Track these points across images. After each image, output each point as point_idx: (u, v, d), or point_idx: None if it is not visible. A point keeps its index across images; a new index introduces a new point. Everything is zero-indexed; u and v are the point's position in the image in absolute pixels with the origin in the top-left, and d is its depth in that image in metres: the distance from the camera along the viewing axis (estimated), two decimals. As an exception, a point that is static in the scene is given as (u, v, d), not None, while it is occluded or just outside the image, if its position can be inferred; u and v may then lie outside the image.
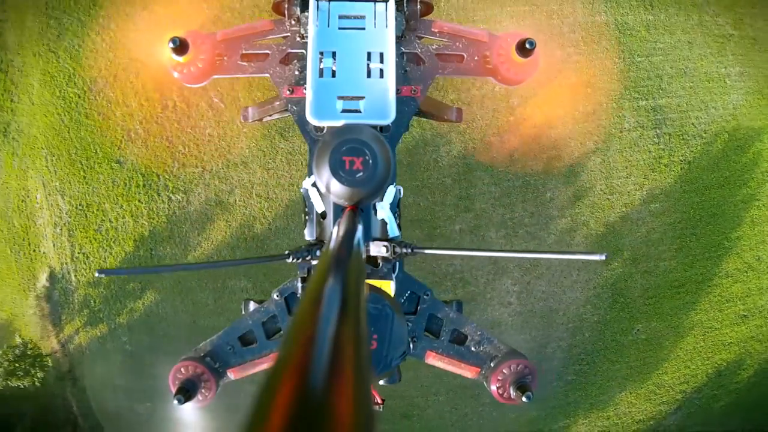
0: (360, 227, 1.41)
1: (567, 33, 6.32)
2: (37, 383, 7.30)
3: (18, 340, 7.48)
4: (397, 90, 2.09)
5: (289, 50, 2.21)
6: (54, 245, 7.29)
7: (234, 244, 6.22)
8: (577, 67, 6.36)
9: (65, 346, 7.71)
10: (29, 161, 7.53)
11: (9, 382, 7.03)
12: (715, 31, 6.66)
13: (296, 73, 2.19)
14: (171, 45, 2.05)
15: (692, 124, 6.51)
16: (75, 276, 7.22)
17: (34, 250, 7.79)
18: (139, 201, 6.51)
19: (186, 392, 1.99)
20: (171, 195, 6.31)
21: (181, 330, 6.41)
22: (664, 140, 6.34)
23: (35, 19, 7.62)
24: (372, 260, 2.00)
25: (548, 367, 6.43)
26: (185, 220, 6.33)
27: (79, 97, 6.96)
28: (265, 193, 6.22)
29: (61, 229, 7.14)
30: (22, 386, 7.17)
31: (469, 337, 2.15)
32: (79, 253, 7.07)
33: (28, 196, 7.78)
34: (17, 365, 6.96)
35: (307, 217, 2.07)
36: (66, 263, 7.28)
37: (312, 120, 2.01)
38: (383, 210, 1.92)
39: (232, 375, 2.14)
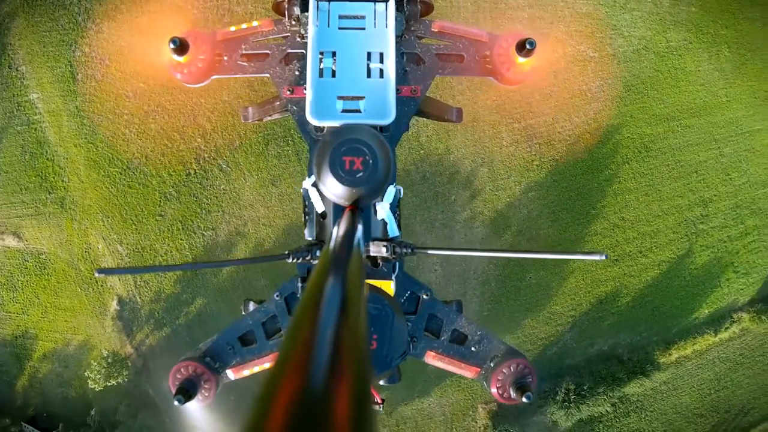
0: (360, 227, 1.40)
1: (455, 83, 9.21)
2: (125, 380, 10.20)
3: (104, 352, 10.32)
4: (397, 90, 2.06)
5: (289, 50, 2.18)
6: (120, 279, 10.08)
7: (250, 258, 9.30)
8: (464, 106, 9.60)
9: (138, 349, 10.67)
10: (88, 223, 10.22)
11: (107, 383, 9.89)
12: (576, 56, 9.64)
13: (296, 73, 2.15)
14: (171, 45, 2.01)
15: (558, 132, 9.61)
16: (139, 298, 10.14)
17: (102, 285, 10.57)
18: (180, 239, 9.48)
19: (186, 392, 1.95)
20: (204, 232, 9.34)
21: (227, 321, 9.54)
22: (535, 148, 9.61)
23: (71, 119, 10.14)
24: (372, 260, 1.99)
25: (468, 308, 9.69)
26: (216, 247, 9.39)
27: (121, 174, 9.71)
28: (268, 223, 9.37)
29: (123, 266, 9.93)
30: (115, 384, 10.05)
31: (469, 337, 2.12)
32: (140, 281, 9.99)
33: (90, 248, 10.50)
34: (111, 370, 9.81)
35: (307, 217, 2.04)
36: (131, 290, 10.16)
37: (312, 120, 1.97)
38: (383, 210, 1.86)
39: (232, 375, 2.11)
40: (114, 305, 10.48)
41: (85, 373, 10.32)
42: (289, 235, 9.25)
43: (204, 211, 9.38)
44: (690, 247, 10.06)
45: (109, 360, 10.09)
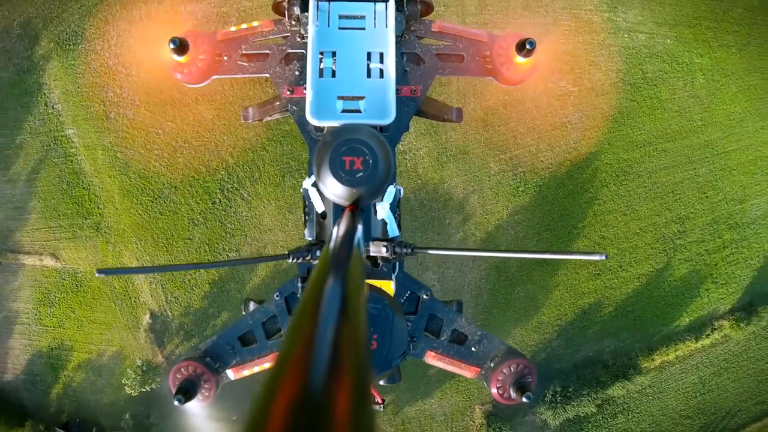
0: (360, 227, 1.47)
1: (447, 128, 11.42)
2: (157, 386, 12.51)
3: (138, 361, 12.62)
4: (397, 90, 2.19)
5: (289, 50, 2.35)
6: (151, 295, 12.42)
7: (270, 276, 11.51)
8: (455, 141, 11.63)
9: (169, 358, 12.96)
10: (122, 245, 12.52)
11: (142, 389, 12.18)
12: (556, 91, 11.73)
13: (296, 73, 2.31)
14: (171, 45, 2.15)
15: (541, 161, 11.75)
16: (170, 312, 12.43)
17: (135, 301, 12.90)
18: (207, 260, 11.65)
19: (186, 392, 2.08)
20: (228, 253, 11.56)
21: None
22: (520, 176, 11.71)
23: (105, 153, 12.40)
24: (372, 260, 2.11)
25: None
26: (237, 268, 11.54)
27: (152, 202, 11.97)
28: (286, 245, 11.54)
29: (155, 285, 12.29)
30: (149, 389, 12.35)
31: (469, 337, 2.27)
32: (171, 297, 12.26)
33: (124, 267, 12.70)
34: (145, 377, 12.10)
35: (307, 217, 2.18)
36: (162, 305, 12.45)
37: (312, 120, 2.10)
38: (383, 210, 1.99)
39: (232, 375, 2.26)
40: (146, 319, 12.78)
41: (122, 380, 12.65)
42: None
43: (228, 235, 11.62)
44: (668, 261, 12.04)
45: (144, 368, 12.40)
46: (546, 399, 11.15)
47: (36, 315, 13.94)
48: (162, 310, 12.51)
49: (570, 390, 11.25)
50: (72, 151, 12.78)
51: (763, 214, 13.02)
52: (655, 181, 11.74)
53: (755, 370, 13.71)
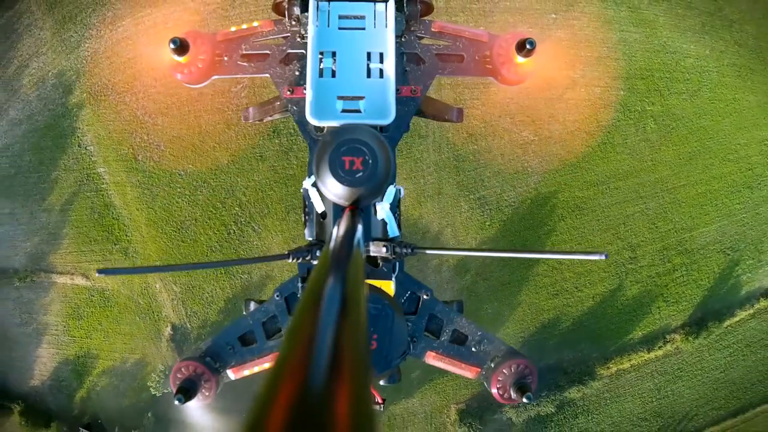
0: (360, 227, 1.65)
1: (423, 166, 15.51)
2: (177, 387, 16.96)
3: (160, 366, 16.91)
4: (397, 90, 2.49)
5: (289, 50, 2.67)
6: (173, 310, 16.72)
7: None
8: (431, 184, 15.66)
9: (187, 364, 17.30)
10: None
11: (165, 391, 16.41)
12: (519, 141, 15.94)
13: (296, 73, 2.64)
14: (171, 45, 2.47)
15: (505, 200, 15.97)
16: (190, 324, 16.71)
17: (157, 315, 17.24)
18: (223, 281, 15.94)
19: (186, 392, 2.41)
20: (241, 276, 15.80)
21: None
22: (487, 213, 15.83)
23: (133, 189, 16.62)
24: (372, 260, 2.42)
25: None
26: (250, 286, 15.83)
27: (175, 232, 16.20)
28: (291, 270, 15.66)
29: (176, 302, 16.59)
30: (169, 391, 16.69)
31: (469, 337, 2.60)
32: (191, 312, 16.54)
33: (148, 287, 17.15)
34: (167, 380, 16.34)
35: (307, 217, 2.49)
36: (183, 319, 16.74)
37: (312, 120, 2.39)
38: (383, 210, 2.28)
39: (232, 375, 2.60)
40: (168, 330, 17.06)
41: (147, 383, 16.94)
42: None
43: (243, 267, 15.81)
44: (621, 283, 16.04)
45: (166, 372, 16.68)
46: (511, 400, 15.23)
47: (65, 327, 18.33)
48: (182, 323, 16.77)
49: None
50: (103, 186, 17.01)
51: (711, 240, 16.96)
52: (607, 215, 15.69)
53: (710, 379, 17.71)
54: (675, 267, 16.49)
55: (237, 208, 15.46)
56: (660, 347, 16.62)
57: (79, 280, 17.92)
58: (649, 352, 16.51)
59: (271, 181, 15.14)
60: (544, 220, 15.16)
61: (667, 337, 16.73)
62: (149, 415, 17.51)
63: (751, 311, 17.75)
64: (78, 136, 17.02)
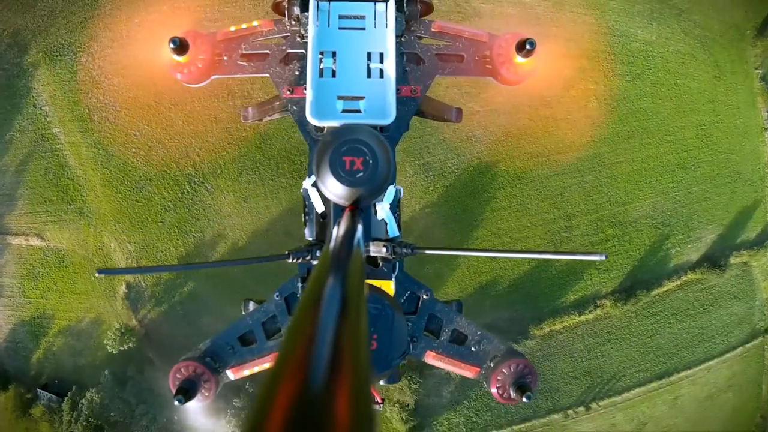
0: (360, 227, 1.71)
1: None
2: (132, 345, 17.79)
3: (116, 324, 17.86)
4: (397, 90, 2.61)
5: (289, 50, 2.79)
6: (118, 276, 17.44)
7: (230, 242, 16.76)
8: None
9: (142, 322, 18.30)
10: (102, 227, 17.65)
11: (121, 347, 17.40)
12: (465, 111, 17.17)
13: (296, 73, 2.74)
14: (171, 45, 2.55)
15: (448, 166, 17.26)
16: (144, 283, 17.68)
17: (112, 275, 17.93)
18: (176, 240, 16.95)
19: (186, 392, 2.45)
20: (194, 234, 16.85)
21: (213, 299, 17.01)
22: (431, 178, 17.12)
23: (88, 149, 17.24)
24: (372, 260, 2.49)
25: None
26: (203, 245, 16.97)
27: (130, 191, 17.04)
28: (242, 229, 16.77)
29: (131, 260, 17.48)
30: (126, 348, 17.59)
31: (469, 337, 2.70)
32: (146, 271, 17.39)
33: (103, 246, 17.98)
34: (123, 338, 17.35)
35: (307, 217, 2.57)
36: (137, 277, 17.62)
37: (312, 120, 2.50)
38: (383, 210, 2.33)
39: (232, 375, 2.68)
40: (123, 289, 17.98)
41: (103, 341, 17.88)
42: (256, 237, 16.67)
43: (194, 219, 16.78)
44: (556, 249, 17.63)
45: (122, 330, 17.66)
46: (450, 357, 16.86)
47: (20, 288, 19.04)
48: (137, 281, 17.71)
49: (469, 350, 16.92)
50: (58, 147, 17.60)
51: (644, 215, 18.71)
52: (546, 186, 17.20)
53: (637, 343, 19.70)
54: (608, 237, 18.21)
55: (191, 168, 16.35)
56: (591, 311, 18.43)
57: (34, 241, 18.59)
58: (580, 315, 18.30)
59: (224, 142, 16.05)
60: (485, 188, 16.56)
61: (598, 302, 18.55)
62: (106, 372, 18.52)
63: (678, 282, 19.72)
64: (33, 97, 17.51)
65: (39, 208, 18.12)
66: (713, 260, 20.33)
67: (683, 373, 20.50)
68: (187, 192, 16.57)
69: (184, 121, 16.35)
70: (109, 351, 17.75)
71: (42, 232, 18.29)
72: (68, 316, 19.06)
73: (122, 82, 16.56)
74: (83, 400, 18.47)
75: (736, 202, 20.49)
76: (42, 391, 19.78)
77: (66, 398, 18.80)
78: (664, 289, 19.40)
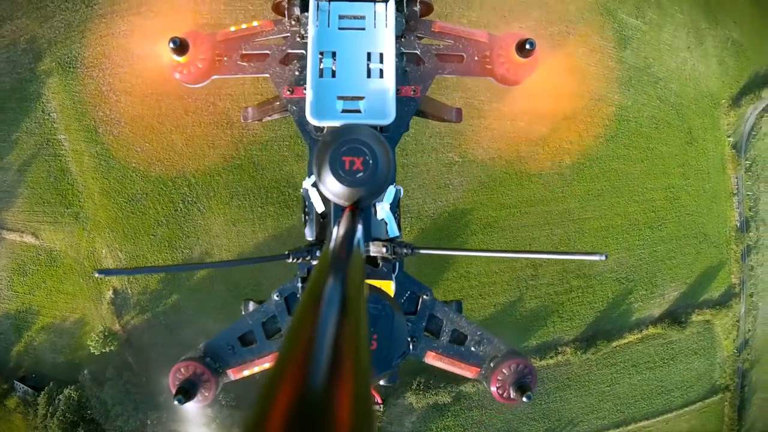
0: (360, 227, 1.80)
1: None
2: (114, 348, 19.68)
3: (100, 327, 19.78)
4: (397, 90, 2.77)
5: (289, 50, 2.95)
6: (116, 276, 19.43)
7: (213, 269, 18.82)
8: None
9: (125, 327, 20.23)
10: (96, 234, 19.65)
11: (103, 349, 19.26)
12: (445, 160, 19.36)
13: (296, 73, 2.88)
14: (171, 45, 2.68)
15: (425, 210, 19.52)
16: (130, 291, 19.66)
17: (101, 279, 19.96)
18: (166, 253, 18.98)
19: (186, 392, 2.55)
20: (183, 250, 18.87)
21: (194, 313, 18.96)
22: (408, 220, 19.33)
23: (91, 159, 19.25)
24: (372, 260, 2.64)
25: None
26: (191, 259, 18.75)
27: (126, 203, 19.09)
28: (228, 249, 18.83)
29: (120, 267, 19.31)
30: (106, 351, 19.47)
31: (468, 337, 2.85)
32: (132, 279, 19.40)
33: (95, 252, 19.95)
34: (106, 340, 19.23)
35: (307, 217, 2.71)
36: (125, 284, 19.66)
37: (312, 120, 2.65)
38: (383, 210, 2.52)
39: (232, 375, 2.79)
40: (109, 294, 19.94)
41: (86, 342, 19.75)
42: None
43: (184, 236, 18.83)
44: (521, 296, 19.84)
45: (105, 333, 19.58)
46: (412, 387, 18.87)
47: (9, 282, 20.93)
48: (124, 288, 19.67)
49: (431, 382, 18.94)
50: (62, 152, 19.62)
51: (609, 269, 20.94)
52: (515, 235, 19.41)
53: (596, 391, 21.82)
54: (572, 288, 20.40)
55: (186, 188, 18.42)
56: (552, 357, 20.55)
57: (28, 239, 20.54)
58: (541, 360, 20.41)
59: (220, 168, 18.16)
60: (458, 233, 18.71)
61: (559, 348, 20.69)
62: (85, 372, 20.37)
63: (640, 336, 21.92)
64: (43, 102, 19.54)
65: (37, 208, 20.10)
66: (675, 316, 22.58)
67: (641, 423, 22.62)
68: (181, 210, 18.63)
69: (183, 143, 18.45)
70: (91, 351, 19.65)
71: (37, 231, 20.24)
72: (53, 314, 20.96)
73: (129, 100, 18.67)
74: (60, 396, 20.31)
75: (701, 263, 22.78)
76: (19, 383, 21.58)
77: (43, 393, 20.61)
78: (625, 341, 21.58)
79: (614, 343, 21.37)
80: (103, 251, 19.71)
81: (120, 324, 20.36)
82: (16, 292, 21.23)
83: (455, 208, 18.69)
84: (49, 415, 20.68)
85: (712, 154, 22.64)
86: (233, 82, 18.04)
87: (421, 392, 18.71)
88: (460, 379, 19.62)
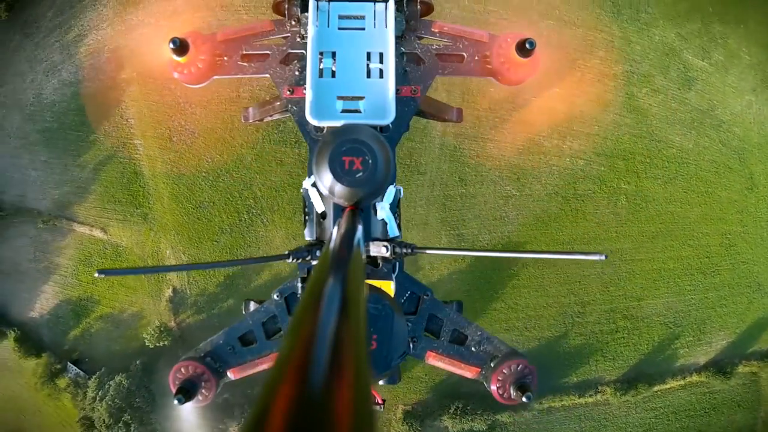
0: (360, 227, 1.84)
1: (413, 200, 20.10)
2: (167, 344, 21.55)
3: (156, 322, 21.66)
4: (397, 90, 2.80)
5: (289, 50, 3.02)
6: (177, 276, 21.41)
7: (272, 279, 20.41)
8: (420, 216, 20.16)
9: (180, 324, 22.03)
10: (162, 235, 21.55)
11: (157, 344, 21.15)
12: (502, 193, 20.42)
13: (296, 73, 2.97)
14: (171, 46, 2.79)
15: (480, 240, 20.55)
16: (189, 291, 21.48)
17: (162, 277, 21.98)
18: (225, 259, 20.51)
19: (186, 392, 2.66)
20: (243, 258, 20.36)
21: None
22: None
23: (163, 164, 21.16)
24: (372, 260, 2.68)
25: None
26: (250, 270, 20.42)
27: (194, 209, 20.91)
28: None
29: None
30: (162, 345, 21.39)
31: (469, 338, 2.89)
32: (192, 280, 21.32)
33: (159, 251, 21.86)
34: (161, 335, 21.10)
35: (307, 218, 2.83)
36: (184, 284, 21.51)
37: (312, 120, 2.71)
38: (383, 210, 2.55)
39: (232, 375, 2.88)
40: (169, 292, 21.81)
41: (142, 334, 21.70)
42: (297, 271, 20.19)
43: (246, 245, 20.49)
44: (566, 332, 20.63)
45: (161, 328, 21.46)
46: (450, 411, 19.95)
47: (74, 270, 23.10)
48: (183, 288, 21.49)
49: (468, 408, 19.97)
50: (136, 156, 21.62)
51: (657, 312, 21.47)
52: (566, 272, 20.22)
53: (634, 434, 22.35)
54: (618, 328, 21.05)
55: (251, 201, 20.07)
56: (591, 395, 21.25)
57: (97, 233, 22.66)
58: (580, 397, 21.14)
59: (285, 184, 19.72)
60: (510, 265, 19.69)
61: (599, 387, 21.36)
62: (137, 362, 22.33)
63: (682, 382, 22.34)
64: (122, 108, 21.59)
65: (108, 206, 22.19)
66: (720, 366, 22.85)
67: (676, 471, 22.94)
68: (245, 220, 20.31)
69: (252, 158, 20.12)
70: (146, 344, 21.57)
71: (106, 226, 22.33)
72: (112, 305, 23.03)
73: (204, 113, 20.47)
74: (111, 382, 22.34)
75: (753, 312, 22.98)
76: (72, 365, 23.77)
77: (94, 377, 22.69)
78: (667, 386, 22.05)
79: (656, 388, 21.87)
80: (167, 252, 21.59)
81: (175, 321, 22.22)
82: (80, 281, 23.41)
83: (509, 240, 19.68)
84: (98, 398, 22.77)
85: (773, 202, 22.83)
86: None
87: (457, 417, 19.79)
88: (497, 407, 20.60)
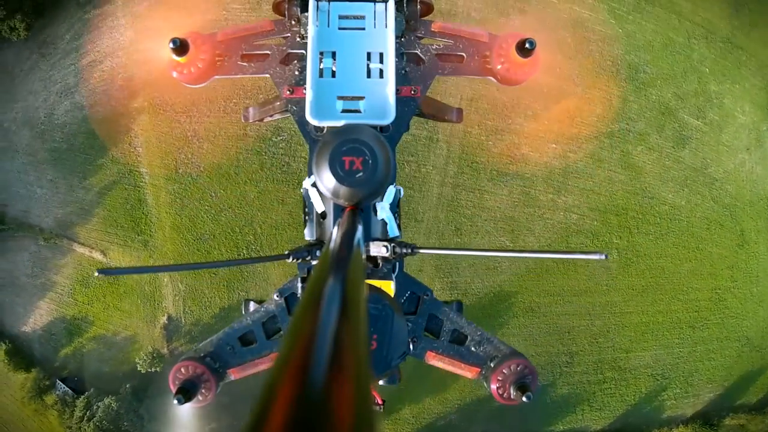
0: (360, 227, 1.90)
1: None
2: (158, 370, 22.58)
3: (150, 348, 22.72)
4: (397, 90, 2.89)
5: (289, 50, 3.11)
6: (173, 303, 22.59)
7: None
8: (415, 263, 21.53)
9: (172, 352, 23.05)
10: (161, 263, 22.55)
11: (149, 369, 22.19)
12: (496, 243, 21.73)
13: (296, 73, 3.05)
14: (171, 45, 2.82)
15: (472, 288, 21.75)
16: (184, 320, 22.61)
17: (158, 303, 23.12)
18: (222, 292, 21.94)
19: (186, 392, 2.72)
20: (240, 291, 21.66)
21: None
22: (455, 296, 21.55)
23: (167, 195, 22.37)
24: (372, 260, 2.75)
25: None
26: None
27: (194, 240, 22.12)
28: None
29: (178, 297, 22.51)
30: (154, 371, 22.43)
31: (469, 338, 2.97)
32: (188, 309, 22.43)
33: (156, 278, 23.05)
34: (153, 361, 22.16)
35: (307, 218, 2.87)
36: (179, 313, 22.64)
37: (312, 120, 2.79)
38: (383, 210, 2.63)
39: (232, 375, 2.95)
40: (163, 319, 22.88)
41: (134, 359, 22.71)
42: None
43: (243, 279, 21.64)
44: (554, 381, 21.73)
45: (154, 354, 22.49)
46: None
47: (71, 289, 24.18)
48: (178, 316, 22.57)
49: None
50: (141, 184, 22.84)
51: (645, 364, 22.59)
52: (556, 322, 21.38)
53: (620, 483, 23.29)
54: (605, 379, 22.15)
55: (251, 237, 21.26)
56: (576, 444, 22.26)
57: (97, 255, 23.79)
58: (565, 445, 22.17)
59: (285, 223, 20.93)
60: (501, 314, 20.86)
61: (585, 436, 22.39)
62: (127, 386, 23.30)
63: (668, 434, 23.34)
64: (131, 136, 22.87)
65: (110, 230, 23.36)
66: (707, 418, 23.90)
67: None
68: (244, 255, 21.47)
69: (255, 195, 21.36)
70: (138, 369, 22.55)
71: (106, 249, 23.48)
72: (106, 327, 24.08)
73: (210, 148, 21.76)
74: (100, 404, 23.29)
75: (741, 366, 24.08)
76: (60, 383, 24.71)
77: (83, 396, 23.63)
78: (653, 437, 23.04)
79: (642, 439, 22.90)
80: (165, 279, 22.71)
81: (168, 348, 23.24)
82: (76, 300, 24.49)
83: (501, 290, 20.88)
84: (85, 418, 23.70)
85: (763, 258, 24.07)
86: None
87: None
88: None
